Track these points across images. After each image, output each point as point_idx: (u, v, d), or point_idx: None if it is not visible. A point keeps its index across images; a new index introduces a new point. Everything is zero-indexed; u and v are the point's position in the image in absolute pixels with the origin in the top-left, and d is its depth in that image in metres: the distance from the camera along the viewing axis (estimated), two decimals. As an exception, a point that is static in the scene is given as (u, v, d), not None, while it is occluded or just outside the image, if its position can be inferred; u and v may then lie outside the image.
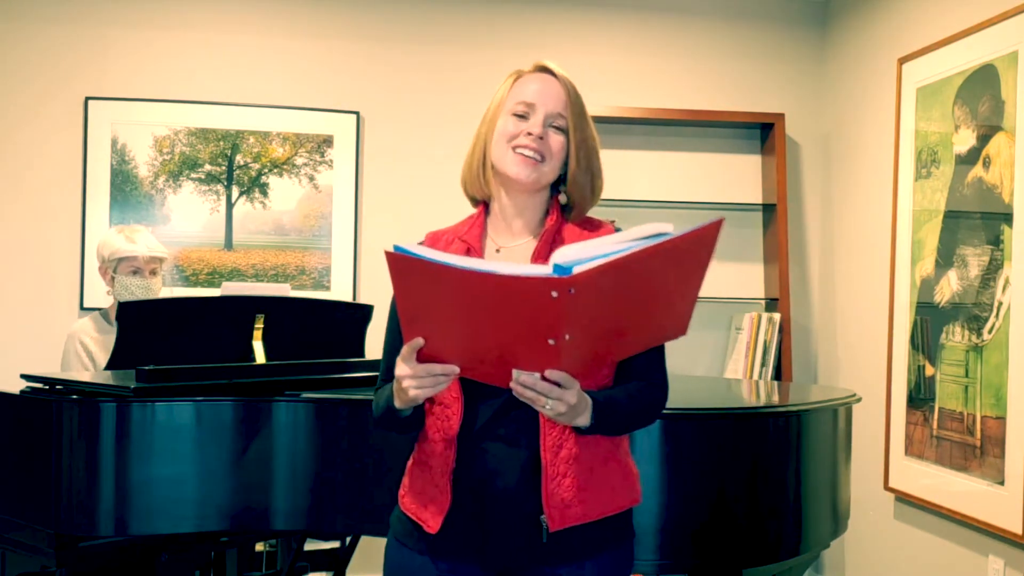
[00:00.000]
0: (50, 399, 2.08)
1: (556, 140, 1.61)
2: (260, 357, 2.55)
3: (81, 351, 2.92)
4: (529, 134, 1.59)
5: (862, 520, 3.82)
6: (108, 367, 2.57)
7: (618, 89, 4.24)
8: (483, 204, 1.71)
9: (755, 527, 2.11)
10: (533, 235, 1.66)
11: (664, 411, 2.02)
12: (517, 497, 1.55)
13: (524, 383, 1.38)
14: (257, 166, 4.02)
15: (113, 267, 2.95)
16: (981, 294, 3.10)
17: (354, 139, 4.08)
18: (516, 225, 1.66)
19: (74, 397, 2.08)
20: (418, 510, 1.62)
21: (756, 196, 4.30)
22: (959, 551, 3.25)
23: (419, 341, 1.40)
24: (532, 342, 1.33)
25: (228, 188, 4.01)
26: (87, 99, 3.90)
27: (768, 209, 4.23)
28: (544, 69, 1.66)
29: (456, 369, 1.42)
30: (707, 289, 4.67)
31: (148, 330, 2.52)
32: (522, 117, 1.61)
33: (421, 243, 1.72)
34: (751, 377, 4.04)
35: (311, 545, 3.63)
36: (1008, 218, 2.98)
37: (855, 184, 4.04)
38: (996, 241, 3.04)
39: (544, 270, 1.28)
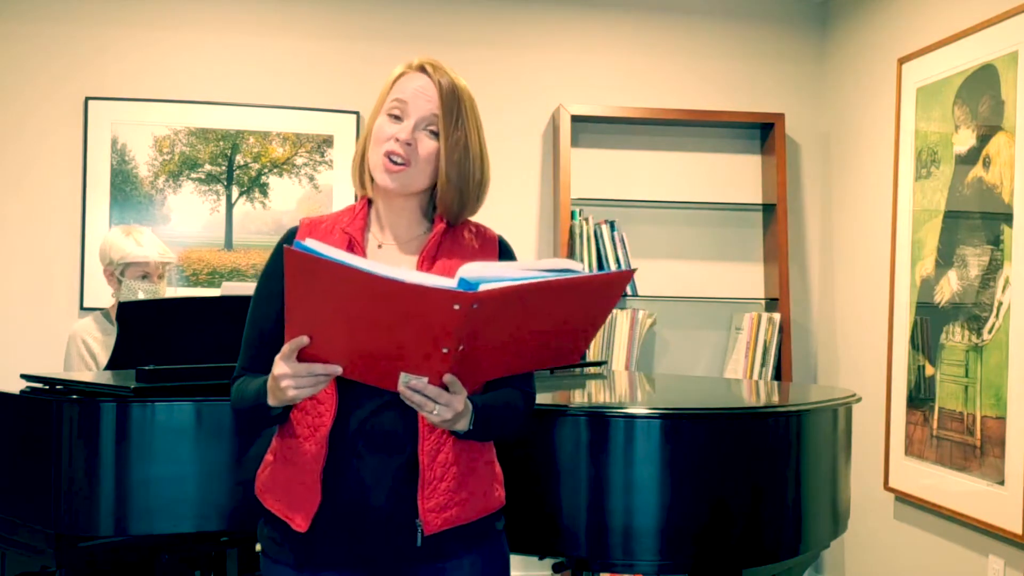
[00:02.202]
0: (50, 399, 2.08)
1: (427, 145, 1.57)
2: (260, 357, 2.55)
3: (84, 351, 2.92)
4: (397, 139, 1.56)
5: (862, 520, 3.82)
6: (108, 367, 2.57)
7: (618, 89, 4.24)
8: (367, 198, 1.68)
9: (755, 527, 2.11)
10: (409, 238, 1.64)
11: (664, 411, 2.03)
12: (391, 500, 1.53)
13: (414, 387, 1.37)
14: (257, 166, 4.02)
15: (120, 270, 2.92)
16: (981, 294, 3.10)
17: (354, 139, 4.08)
18: (395, 225, 1.64)
19: (74, 397, 2.08)
20: (285, 508, 1.57)
21: (756, 196, 4.30)
22: (959, 551, 3.25)
23: (303, 340, 1.37)
24: (426, 349, 1.34)
25: (228, 188, 4.01)
26: (87, 99, 3.90)
27: (768, 209, 4.23)
28: (422, 68, 1.62)
29: (339, 369, 1.39)
30: (707, 289, 4.67)
31: (148, 330, 2.51)
32: (396, 119, 1.58)
33: (296, 228, 1.69)
34: (751, 377, 4.04)
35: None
36: (1008, 218, 2.98)
37: (855, 184, 4.04)
38: (996, 241, 3.04)
39: (450, 283, 1.29)
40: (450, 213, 1.62)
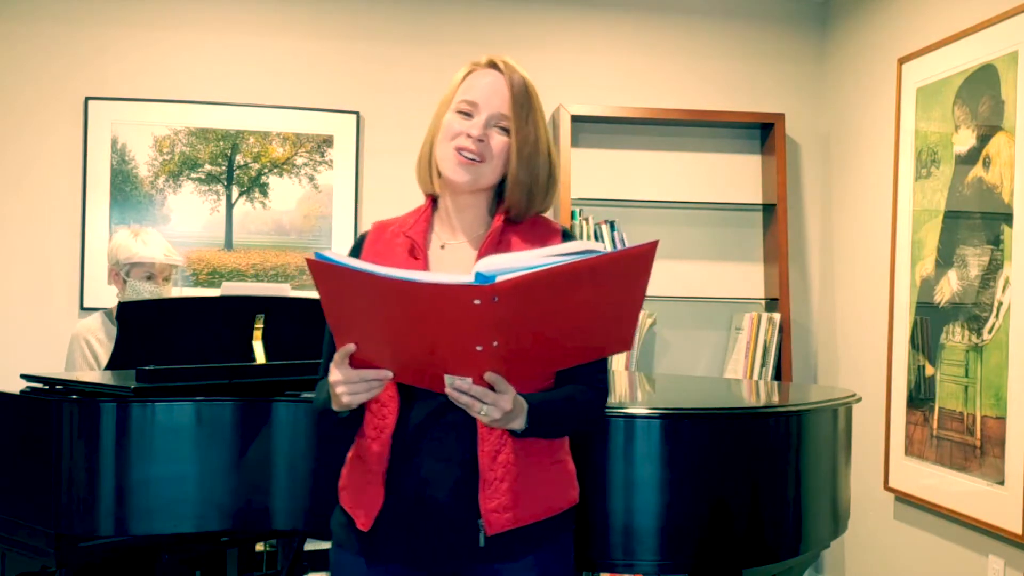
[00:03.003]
0: (50, 399, 2.08)
1: (498, 141, 1.58)
2: (260, 357, 2.55)
3: (86, 351, 2.91)
4: (469, 135, 1.56)
5: (862, 520, 3.82)
6: (108, 367, 2.57)
7: (618, 89, 4.24)
8: (432, 197, 1.69)
9: (755, 527, 2.11)
10: (477, 235, 1.64)
11: (664, 411, 2.02)
12: (452, 501, 1.53)
13: (458, 388, 1.37)
14: (257, 166, 4.02)
15: (126, 271, 2.93)
16: (981, 294, 3.10)
17: (354, 139, 4.08)
18: (460, 223, 1.64)
19: (74, 397, 2.08)
20: (353, 505, 1.60)
21: (756, 196, 4.30)
22: (959, 551, 3.25)
23: (350, 347, 1.40)
24: (459, 348, 1.33)
25: (228, 188, 4.01)
26: (87, 99, 3.90)
27: (768, 209, 4.23)
28: (493, 65, 1.61)
29: (389, 374, 1.41)
30: (707, 289, 4.67)
31: (148, 330, 2.51)
32: (467, 115, 1.58)
33: (366, 233, 1.71)
34: (751, 377, 4.04)
35: (311, 545, 3.63)
36: (1008, 218, 2.98)
37: (855, 184, 4.04)
38: (996, 241, 3.04)
39: (466, 279, 1.28)
40: (517, 209, 1.62)
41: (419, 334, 1.34)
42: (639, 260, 1.36)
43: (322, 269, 1.31)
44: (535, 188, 1.61)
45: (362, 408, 1.58)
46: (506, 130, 1.58)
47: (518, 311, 1.30)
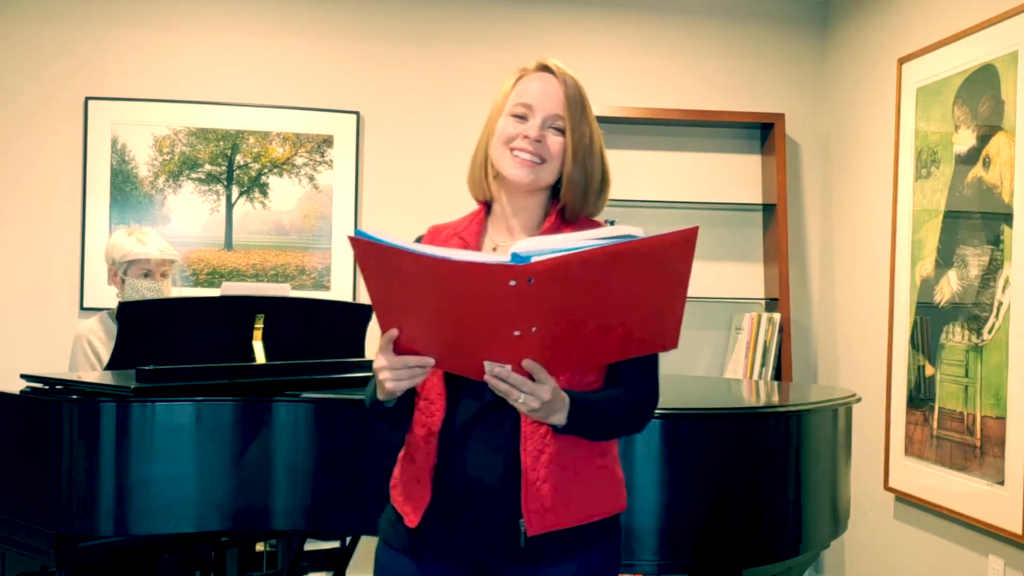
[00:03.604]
0: (50, 399, 2.08)
1: (555, 142, 1.60)
2: (260, 357, 2.55)
3: (89, 351, 2.92)
4: (526, 137, 1.58)
5: (862, 520, 3.82)
6: (108, 367, 2.57)
7: (618, 89, 4.24)
8: (485, 203, 1.71)
9: (755, 527, 2.11)
10: (530, 235, 1.65)
11: (664, 411, 2.02)
12: (496, 498, 1.54)
13: (496, 374, 1.37)
14: (257, 166, 4.02)
15: (123, 270, 2.93)
16: (981, 294, 3.10)
17: (354, 139, 4.08)
18: (515, 225, 1.65)
19: (74, 397, 2.08)
20: (402, 502, 1.62)
21: (756, 196, 4.30)
22: (959, 551, 3.25)
23: (394, 332, 1.41)
24: (497, 333, 1.33)
25: (228, 188, 4.01)
26: (87, 99, 3.90)
27: (768, 209, 4.23)
28: (545, 68, 1.64)
29: (431, 361, 1.42)
30: (707, 289, 4.66)
31: (148, 330, 2.52)
32: (521, 119, 1.60)
33: (421, 236, 1.73)
34: (751, 377, 4.04)
35: (311, 545, 3.63)
36: (1008, 218, 2.98)
37: (855, 184, 4.04)
38: (996, 241, 3.04)
39: (501, 258, 1.27)
40: (572, 210, 1.63)
41: (457, 316, 1.34)
42: (679, 247, 1.34)
43: (362, 246, 1.32)
44: (589, 188, 1.63)
45: (411, 404, 1.59)
46: (561, 130, 1.60)
47: (554, 294, 1.29)
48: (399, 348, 1.42)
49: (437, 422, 1.56)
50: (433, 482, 1.57)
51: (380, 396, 1.52)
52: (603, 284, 1.32)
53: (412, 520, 1.58)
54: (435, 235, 1.71)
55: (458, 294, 1.30)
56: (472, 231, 1.67)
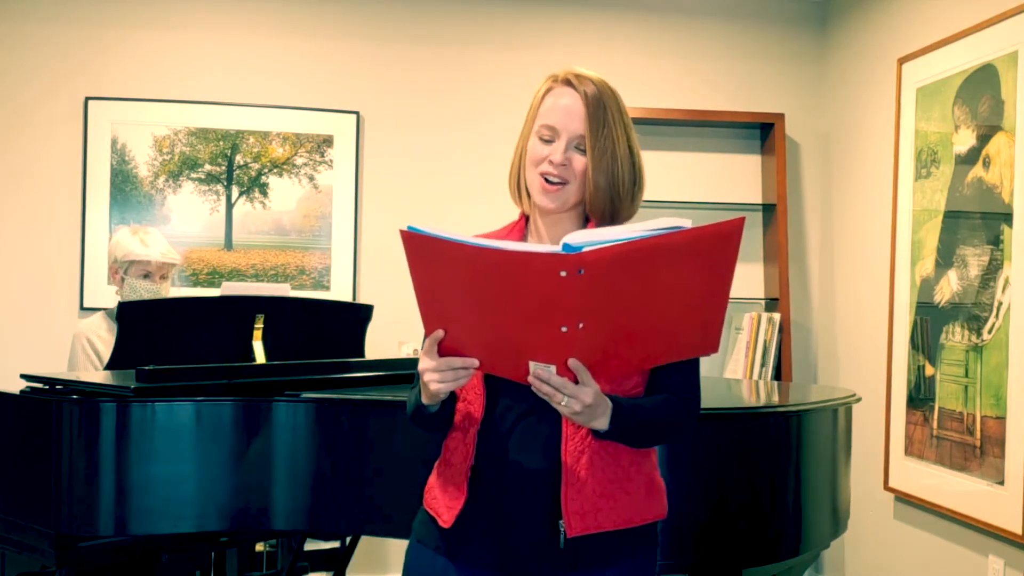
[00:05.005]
0: (50, 399, 2.08)
1: (579, 161, 1.60)
2: (260, 357, 2.56)
3: (89, 350, 2.92)
4: (551, 162, 1.59)
5: (862, 520, 3.82)
6: (108, 367, 2.57)
7: (618, 89, 4.23)
8: (525, 215, 1.72)
9: (755, 527, 2.11)
10: None
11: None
12: (535, 500, 1.54)
13: (539, 376, 1.38)
14: (257, 166, 4.02)
15: (124, 269, 2.95)
16: (981, 294, 3.10)
17: (354, 139, 4.08)
18: (552, 236, 1.66)
19: (74, 397, 2.08)
20: (436, 504, 1.62)
21: (756, 196, 4.30)
22: (959, 551, 3.25)
23: (440, 333, 1.42)
24: (544, 329, 1.32)
25: (228, 188, 4.01)
26: (87, 99, 3.90)
27: (768, 209, 4.23)
28: (568, 82, 1.64)
29: (475, 362, 1.43)
30: (707, 289, 4.58)
31: (148, 330, 2.52)
32: (547, 141, 1.61)
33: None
34: (751, 377, 4.04)
35: (311, 545, 3.63)
36: (1008, 218, 2.98)
37: (855, 184, 4.04)
38: (996, 241, 3.04)
39: (553, 248, 1.28)
40: (603, 218, 1.64)
41: (506, 311, 1.33)
42: (726, 238, 1.36)
43: (413, 240, 1.33)
44: (617, 192, 1.63)
45: (453, 410, 1.59)
46: (584, 149, 1.61)
47: (603, 286, 1.29)
48: (443, 350, 1.44)
49: (476, 423, 1.57)
50: (470, 483, 1.57)
51: (424, 400, 1.53)
52: (651, 276, 1.33)
53: (447, 520, 1.57)
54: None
55: (508, 287, 1.31)
56: (512, 239, 1.67)
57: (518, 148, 1.68)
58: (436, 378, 1.44)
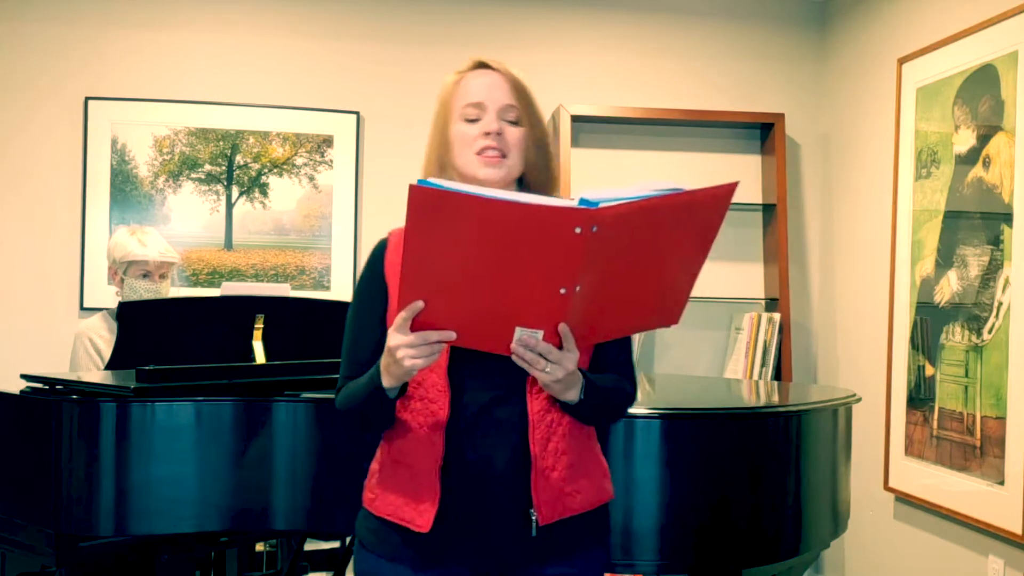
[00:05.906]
0: (50, 399, 2.08)
1: (513, 133, 1.58)
2: (260, 357, 2.55)
3: (91, 349, 2.92)
4: (487, 133, 1.56)
5: (862, 520, 3.82)
6: (108, 367, 2.57)
7: (618, 89, 4.24)
8: None
9: (755, 527, 2.11)
10: None
11: (664, 411, 2.03)
12: (506, 490, 1.53)
13: (525, 342, 1.36)
14: (257, 166, 4.02)
15: (123, 269, 2.95)
16: (981, 294, 3.10)
17: (354, 139, 4.08)
18: None
19: (74, 397, 2.08)
20: (399, 511, 1.56)
21: (756, 196, 4.30)
22: (959, 551, 3.25)
23: (419, 304, 1.36)
24: (542, 290, 1.31)
25: (228, 188, 4.01)
26: (87, 99, 3.90)
27: (768, 209, 4.23)
28: (483, 65, 1.63)
29: (452, 335, 1.38)
30: (707, 289, 4.66)
31: (148, 330, 2.52)
32: (474, 121, 1.58)
33: (385, 240, 1.70)
34: (751, 377, 4.04)
35: (311, 545, 3.63)
36: (1008, 218, 2.98)
37: (855, 184, 4.04)
38: (996, 241, 3.04)
39: (571, 202, 1.27)
40: (544, 192, 1.62)
41: (507, 271, 1.31)
42: (721, 200, 1.38)
43: (423, 195, 1.26)
44: (548, 173, 1.64)
45: (394, 408, 1.55)
46: (516, 122, 1.59)
47: (611, 246, 1.29)
48: (416, 326, 1.38)
49: (443, 418, 1.54)
50: (441, 481, 1.54)
51: (388, 383, 1.47)
52: (651, 238, 1.34)
53: (423, 525, 1.53)
54: (400, 238, 1.65)
55: (517, 244, 1.28)
56: None
57: (433, 150, 1.64)
58: (411, 353, 1.38)
